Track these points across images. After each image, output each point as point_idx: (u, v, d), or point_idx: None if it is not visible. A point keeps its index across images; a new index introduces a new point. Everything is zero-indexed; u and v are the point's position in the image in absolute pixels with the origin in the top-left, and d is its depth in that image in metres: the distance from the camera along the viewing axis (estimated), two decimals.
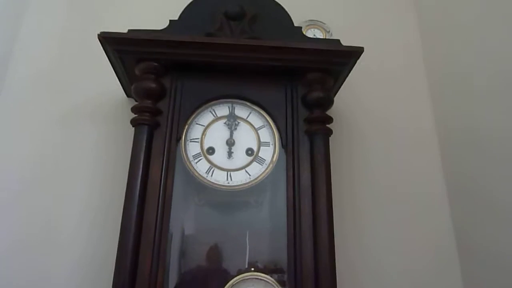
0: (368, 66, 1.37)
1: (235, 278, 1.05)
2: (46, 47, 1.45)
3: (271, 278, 1.05)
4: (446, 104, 1.43)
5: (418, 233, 1.32)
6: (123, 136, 1.28)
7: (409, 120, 1.47)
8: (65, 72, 1.41)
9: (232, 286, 1.04)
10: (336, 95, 1.28)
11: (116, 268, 0.94)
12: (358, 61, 1.13)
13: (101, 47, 1.08)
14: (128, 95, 1.33)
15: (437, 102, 1.48)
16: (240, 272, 1.07)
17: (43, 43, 1.46)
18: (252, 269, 1.08)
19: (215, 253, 1.14)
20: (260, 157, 1.11)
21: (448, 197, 1.38)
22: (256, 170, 1.10)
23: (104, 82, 1.37)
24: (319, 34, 1.43)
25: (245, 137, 1.13)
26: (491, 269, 1.18)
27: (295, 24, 1.19)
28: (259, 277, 1.06)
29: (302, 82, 1.12)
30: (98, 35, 1.04)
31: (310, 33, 1.42)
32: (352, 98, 1.44)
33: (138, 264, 0.95)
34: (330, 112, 1.13)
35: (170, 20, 1.13)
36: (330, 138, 1.11)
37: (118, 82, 1.25)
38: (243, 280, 1.06)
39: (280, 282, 1.05)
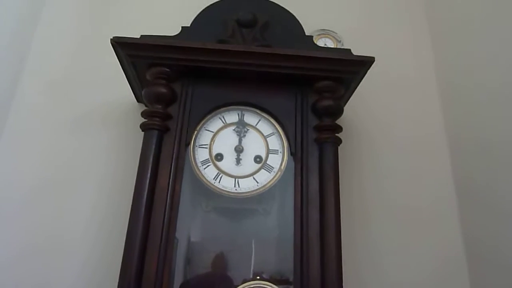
0: (379, 75, 1.36)
1: (240, 287, 1.05)
2: (59, 53, 1.47)
3: (275, 286, 1.04)
4: (456, 112, 1.42)
5: (428, 241, 1.31)
6: (133, 141, 1.28)
7: (419, 129, 1.46)
8: (77, 78, 1.43)
9: None
10: (346, 104, 1.28)
11: (122, 272, 0.93)
12: (369, 70, 1.13)
13: (113, 53, 1.09)
14: (138, 101, 1.34)
15: (447, 110, 1.47)
16: (245, 280, 1.06)
17: (56, 49, 1.48)
18: (258, 277, 1.07)
19: (220, 260, 1.14)
20: (269, 164, 1.11)
21: (458, 204, 1.36)
22: (264, 178, 1.09)
23: (115, 88, 1.38)
24: (330, 44, 1.43)
25: (253, 144, 1.13)
26: (499, 275, 1.16)
27: (306, 33, 1.20)
28: (264, 286, 1.05)
29: (312, 90, 1.12)
30: (111, 39, 1.05)
31: (321, 42, 1.42)
32: (362, 107, 1.43)
33: (144, 268, 0.95)
34: (339, 121, 1.12)
35: (182, 27, 1.14)
36: (339, 147, 1.10)
37: (129, 88, 1.26)
38: None
39: None
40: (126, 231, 0.97)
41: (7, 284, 1.17)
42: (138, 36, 1.08)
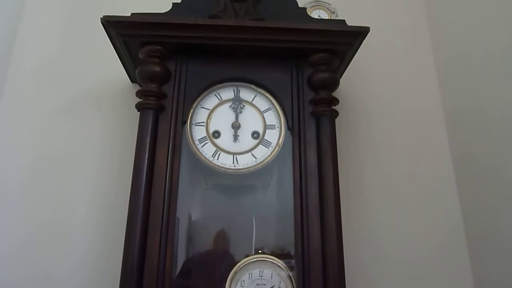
0: (374, 47, 1.35)
1: (242, 260, 1.06)
2: (49, 35, 1.44)
3: (278, 260, 1.06)
4: (453, 84, 1.41)
5: (425, 215, 1.32)
6: (128, 122, 1.28)
7: (416, 101, 1.45)
8: (68, 60, 1.41)
9: (239, 268, 1.05)
10: (342, 77, 1.27)
11: (125, 252, 0.94)
12: (364, 42, 1.11)
13: (104, 33, 1.07)
14: (132, 81, 1.33)
15: (444, 82, 1.46)
16: (247, 255, 1.08)
17: (46, 31, 1.45)
18: (260, 251, 1.09)
19: (222, 237, 1.15)
20: (266, 140, 1.11)
21: (455, 179, 1.37)
22: (262, 153, 1.09)
23: (108, 69, 1.36)
24: (324, 15, 1.41)
25: (250, 120, 1.12)
26: (499, 253, 1.17)
27: (300, 5, 1.18)
28: (266, 259, 1.07)
29: (307, 63, 1.11)
30: (101, 19, 1.03)
31: (315, 14, 1.40)
32: (358, 80, 1.42)
33: (146, 247, 0.96)
34: (336, 95, 1.12)
35: (173, 3, 1.12)
36: (336, 120, 1.10)
37: (122, 68, 1.24)
38: (251, 262, 1.07)
39: (288, 264, 1.06)
40: (126, 213, 0.97)
41: (5, 275, 1.17)
42: (129, 15, 1.06)
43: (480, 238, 1.25)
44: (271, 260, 1.07)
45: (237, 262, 1.07)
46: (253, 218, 1.16)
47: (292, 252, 1.04)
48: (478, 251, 1.25)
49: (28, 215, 1.23)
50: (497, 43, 1.20)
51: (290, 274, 1.05)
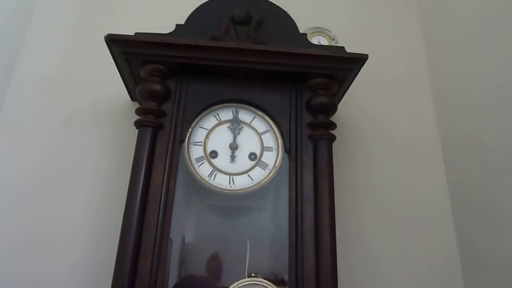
0: (372, 74, 1.38)
1: (235, 284, 1.05)
2: (52, 50, 1.47)
3: (271, 284, 1.04)
4: (449, 112, 1.43)
5: (421, 240, 1.32)
6: (126, 140, 1.28)
7: (412, 128, 1.47)
8: (70, 75, 1.42)
9: None
10: (340, 102, 1.28)
11: (116, 269, 0.93)
12: (363, 69, 1.13)
13: (107, 51, 1.09)
14: (132, 99, 1.34)
15: (440, 110, 1.48)
16: (240, 278, 1.06)
17: (49, 46, 1.47)
18: (253, 274, 1.07)
19: (215, 258, 1.14)
20: (263, 161, 1.11)
21: (451, 204, 1.37)
22: (259, 175, 1.09)
23: (109, 86, 1.38)
24: (324, 41, 1.44)
25: (248, 142, 1.13)
26: (493, 276, 1.16)
27: (300, 31, 1.20)
28: (259, 283, 1.05)
29: (306, 87, 1.12)
30: (105, 36, 1.05)
31: (315, 40, 1.43)
32: (356, 106, 1.44)
33: (138, 266, 0.94)
34: (333, 119, 1.13)
35: (176, 24, 1.14)
36: (333, 144, 1.11)
37: (123, 86, 1.25)
38: (243, 286, 1.05)
39: (282, 286, 1.04)
40: (119, 230, 0.96)
41: None
42: (133, 34, 1.08)
43: (474, 262, 1.25)
44: (264, 284, 1.05)
45: (230, 284, 1.05)
46: (248, 241, 1.15)
47: (286, 277, 1.02)
48: (473, 275, 1.25)
49: (21, 224, 1.22)
50: (493, 75, 1.23)
51: None
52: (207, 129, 1.13)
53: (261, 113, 1.15)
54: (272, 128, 1.14)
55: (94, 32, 1.38)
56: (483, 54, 1.28)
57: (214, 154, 1.11)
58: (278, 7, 1.22)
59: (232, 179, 1.08)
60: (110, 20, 1.51)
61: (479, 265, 1.23)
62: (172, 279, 1.07)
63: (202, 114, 1.13)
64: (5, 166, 1.29)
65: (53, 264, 1.18)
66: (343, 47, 1.14)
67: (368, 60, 1.11)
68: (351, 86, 1.22)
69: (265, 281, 1.04)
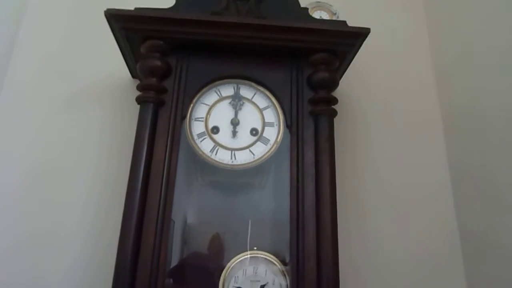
0: (373, 49, 1.35)
1: (237, 257, 1.07)
2: (51, 28, 1.45)
3: (272, 256, 1.06)
4: (451, 86, 1.42)
5: (420, 217, 1.32)
6: (128, 117, 1.28)
7: (414, 103, 1.46)
8: (70, 54, 1.41)
9: (233, 264, 1.05)
10: (341, 79, 1.27)
11: (120, 245, 0.94)
12: (364, 43, 1.12)
13: (107, 27, 1.08)
14: (133, 76, 1.34)
15: (441, 84, 1.46)
16: (242, 252, 1.08)
17: (48, 24, 1.46)
18: (255, 248, 1.09)
19: (217, 233, 1.15)
20: (265, 137, 1.11)
21: (451, 182, 1.36)
22: (260, 150, 1.10)
23: (109, 63, 1.37)
24: (326, 16, 1.42)
25: (249, 117, 1.13)
26: (494, 261, 1.16)
27: (302, 6, 1.19)
28: (261, 256, 1.07)
29: (307, 62, 1.12)
30: (104, 12, 1.04)
31: (316, 14, 1.41)
32: (357, 81, 1.43)
33: (141, 242, 0.96)
34: (334, 95, 1.12)
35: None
36: (334, 120, 1.11)
37: (124, 63, 1.25)
38: (245, 259, 1.07)
39: (282, 261, 1.06)
40: (122, 210, 0.97)
41: None
42: (132, 9, 1.07)
43: (475, 244, 1.24)
44: (266, 257, 1.07)
45: (232, 258, 1.07)
46: (249, 216, 1.16)
47: (287, 250, 1.03)
48: (473, 257, 1.25)
49: (31, 204, 1.23)
50: (496, 45, 1.21)
51: (284, 270, 1.05)
52: (208, 105, 1.13)
53: (262, 89, 1.15)
54: (273, 104, 1.14)
55: (93, 9, 1.37)
56: (485, 26, 1.26)
57: (215, 129, 1.11)
58: None
59: (234, 154, 1.09)
60: None
61: (480, 248, 1.22)
62: (175, 252, 1.08)
63: (203, 90, 1.13)
64: (7, 150, 1.29)
65: (55, 254, 1.19)
66: (344, 21, 1.13)
67: (369, 34, 1.09)
68: (353, 61, 1.21)
69: (266, 253, 1.07)
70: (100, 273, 1.13)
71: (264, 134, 1.12)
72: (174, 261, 1.08)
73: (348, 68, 1.25)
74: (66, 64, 1.40)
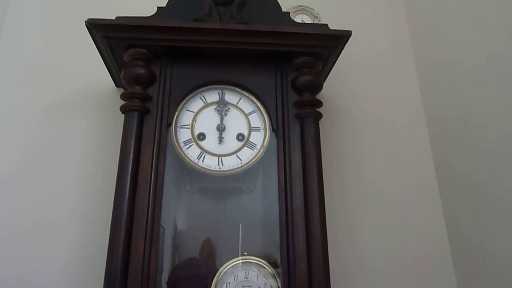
0: (357, 52, 1.38)
1: (227, 262, 1.07)
2: (32, 36, 1.44)
3: (262, 260, 1.06)
4: (434, 89, 1.43)
5: (408, 217, 1.33)
6: (112, 126, 1.27)
7: (398, 107, 1.47)
8: (52, 63, 1.40)
9: (225, 269, 1.05)
10: (325, 81, 1.28)
11: (109, 254, 0.93)
12: (346, 48, 1.13)
13: (89, 36, 1.07)
14: (117, 85, 1.32)
15: (425, 87, 1.48)
16: (233, 257, 1.08)
17: (29, 32, 1.44)
18: (245, 253, 1.09)
19: (207, 239, 1.14)
20: (251, 142, 1.12)
21: (438, 185, 1.37)
22: (247, 155, 1.10)
23: (92, 72, 1.35)
24: (307, 20, 1.44)
25: (235, 123, 1.13)
26: (483, 264, 1.16)
27: (283, 10, 1.20)
28: (252, 261, 1.07)
29: (291, 66, 1.12)
30: (85, 22, 1.03)
31: (298, 18, 1.43)
32: (342, 85, 1.44)
33: (130, 250, 0.95)
34: (319, 98, 1.13)
35: (158, 7, 1.13)
36: (320, 123, 1.11)
37: (107, 72, 1.24)
38: (236, 264, 1.07)
39: (273, 264, 1.06)
40: (111, 216, 0.96)
41: None
42: (113, 18, 1.06)
43: (464, 247, 1.25)
44: (257, 262, 1.07)
45: (223, 264, 1.07)
46: (239, 221, 1.16)
47: (278, 254, 1.04)
48: (462, 261, 1.25)
49: (9, 217, 1.20)
50: (479, 52, 1.21)
51: (275, 274, 1.05)
52: (194, 112, 1.13)
53: (247, 94, 1.15)
54: (259, 108, 1.14)
55: (74, 18, 1.34)
56: (468, 29, 1.27)
57: (202, 136, 1.11)
58: None
59: (221, 160, 1.09)
60: (90, 5, 1.47)
61: (468, 250, 1.23)
62: (166, 260, 1.08)
63: (188, 97, 1.13)
64: None
65: (42, 260, 1.17)
66: (326, 25, 1.14)
67: (351, 38, 1.11)
68: (336, 65, 1.22)
69: (257, 258, 1.07)
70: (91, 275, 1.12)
71: (251, 139, 1.12)
72: (165, 268, 1.07)
73: (333, 72, 1.26)
74: (48, 73, 1.38)
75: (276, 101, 1.12)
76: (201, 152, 1.09)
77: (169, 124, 1.08)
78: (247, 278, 1.06)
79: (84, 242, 1.19)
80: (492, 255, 1.13)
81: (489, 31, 1.18)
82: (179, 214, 1.18)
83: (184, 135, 1.10)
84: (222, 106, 1.14)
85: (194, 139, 1.10)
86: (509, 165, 1.08)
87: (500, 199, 1.11)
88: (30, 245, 1.18)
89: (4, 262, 1.16)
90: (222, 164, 1.09)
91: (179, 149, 1.08)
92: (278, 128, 1.10)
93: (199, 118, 1.12)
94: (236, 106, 1.15)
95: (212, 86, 1.15)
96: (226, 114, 1.14)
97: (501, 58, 1.12)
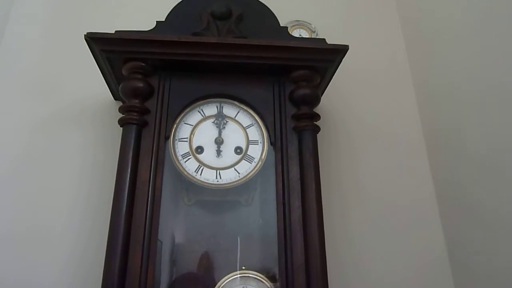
0: (354, 67, 1.40)
1: (226, 277, 1.05)
2: (32, 48, 1.45)
3: (260, 275, 1.05)
4: (431, 105, 1.44)
5: (407, 229, 1.32)
6: (110, 140, 1.27)
7: (395, 120, 1.47)
8: (51, 74, 1.40)
9: (223, 284, 1.04)
10: (323, 95, 1.29)
11: (106, 267, 0.92)
12: (344, 61, 1.14)
13: (88, 49, 1.08)
14: (115, 98, 1.33)
15: (422, 103, 1.49)
16: (231, 271, 1.07)
17: (29, 44, 1.45)
18: (243, 267, 1.08)
19: (205, 253, 1.14)
20: (249, 155, 1.12)
21: (436, 196, 1.37)
22: (245, 168, 1.10)
23: (90, 85, 1.36)
24: (305, 34, 1.45)
25: (233, 136, 1.13)
26: (482, 274, 1.16)
27: (281, 25, 1.21)
28: (250, 275, 1.06)
29: (289, 80, 1.13)
30: (84, 35, 1.04)
31: (296, 33, 1.44)
32: (339, 98, 1.45)
33: (127, 263, 0.94)
34: (317, 111, 1.13)
35: (157, 21, 1.14)
36: (318, 136, 1.12)
37: (105, 85, 1.25)
38: (234, 279, 1.06)
39: (272, 278, 1.05)
40: (107, 229, 0.95)
41: None
42: (113, 32, 1.07)
43: (462, 257, 1.25)
44: (255, 276, 1.06)
45: (221, 278, 1.06)
46: (237, 234, 1.15)
47: (276, 267, 1.03)
48: (461, 269, 1.25)
49: (5, 226, 1.19)
50: (476, 67, 1.22)
51: None
52: (192, 125, 1.13)
53: (245, 107, 1.16)
54: (257, 122, 1.14)
55: (73, 31, 1.36)
56: (465, 45, 1.28)
57: (200, 149, 1.11)
58: (258, 1, 1.23)
59: (219, 173, 1.09)
60: (90, 18, 1.49)
61: (468, 263, 1.22)
62: (164, 275, 1.07)
63: (186, 110, 1.13)
64: None
65: (38, 271, 1.16)
66: (324, 39, 1.15)
67: (349, 52, 1.12)
68: (334, 79, 1.23)
69: (255, 272, 1.06)
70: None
71: (249, 152, 1.12)
72: (163, 282, 1.06)
73: (330, 85, 1.27)
74: (46, 85, 1.39)
75: (274, 114, 1.12)
76: (199, 165, 1.09)
77: (167, 137, 1.08)
78: None
79: (80, 254, 1.18)
80: (491, 267, 1.13)
81: (485, 49, 1.19)
82: (176, 227, 1.17)
83: (182, 148, 1.10)
84: (220, 120, 1.14)
85: (192, 152, 1.10)
86: (505, 177, 1.08)
87: (498, 210, 1.11)
88: (26, 256, 1.17)
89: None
90: (220, 177, 1.08)
91: (177, 162, 1.08)
92: (276, 141, 1.10)
93: (197, 131, 1.12)
94: (234, 119, 1.15)
95: (210, 99, 1.15)
96: (224, 127, 1.14)
97: (496, 74, 1.14)
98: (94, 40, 1.05)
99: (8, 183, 1.25)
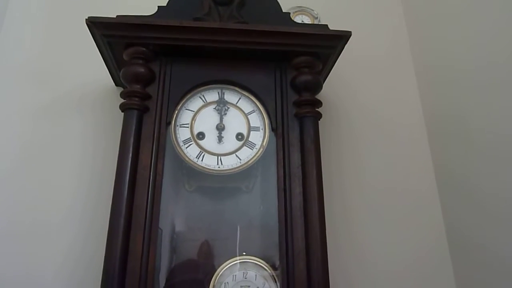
0: (356, 53, 1.39)
1: (226, 262, 1.06)
2: (32, 34, 1.44)
3: (262, 261, 1.06)
4: (432, 90, 1.44)
5: (407, 217, 1.33)
6: (111, 125, 1.28)
7: (397, 108, 1.47)
8: (51, 60, 1.40)
9: (223, 269, 1.04)
10: (325, 81, 1.29)
11: (107, 252, 0.93)
12: (346, 48, 1.14)
13: (89, 34, 1.07)
14: (116, 84, 1.32)
15: (423, 88, 1.49)
16: (231, 257, 1.08)
17: (29, 30, 1.44)
18: (244, 253, 1.08)
19: (206, 239, 1.14)
20: (250, 141, 1.12)
21: (437, 186, 1.38)
22: (247, 154, 1.10)
23: (91, 71, 1.36)
24: (307, 20, 1.44)
25: (235, 122, 1.13)
26: (483, 264, 1.16)
27: (284, 10, 1.20)
28: (250, 260, 1.07)
29: (290, 66, 1.12)
30: (86, 19, 1.03)
31: (298, 19, 1.43)
32: (341, 84, 1.44)
33: (129, 248, 0.95)
34: (319, 98, 1.13)
35: (158, 6, 1.13)
36: (319, 123, 1.11)
37: (107, 70, 1.24)
38: (234, 264, 1.07)
39: (272, 264, 1.06)
40: (109, 214, 0.96)
41: None
42: (114, 17, 1.06)
43: (463, 247, 1.25)
44: (255, 262, 1.07)
45: (221, 264, 1.06)
46: (237, 221, 1.16)
47: (277, 254, 1.03)
48: (461, 260, 1.25)
49: (6, 215, 1.20)
50: (478, 53, 1.22)
51: (274, 274, 1.05)
52: (193, 111, 1.13)
53: (246, 94, 1.15)
54: (258, 108, 1.14)
55: (74, 16, 1.35)
56: (466, 31, 1.28)
57: (201, 135, 1.11)
58: None
59: (220, 159, 1.09)
60: (91, 3, 1.47)
61: (467, 251, 1.23)
62: (164, 258, 1.07)
63: (188, 96, 1.12)
64: None
65: (39, 258, 1.17)
66: (326, 25, 1.14)
67: (351, 39, 1.11)
68: (336, 65, 1.22)
69: (256, 258, 1.06)
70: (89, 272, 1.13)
71: (250, 139, 1.12)
72: (163, 268, 1.07)
73: (333, 72, 1.26)
74: (47, 71, 1.38)
75: (276, 100, 1.12)
76: (200, 151, 1.09)
77: (169, 123, 1.08)
78: (245, 278, 1.06)
79: (82, 240, 1.19)
80: (491, 255, 1.13)
81: (488, 33, 1.18)
82: (177, 213, 1.18)
83: (183, 134, 1.10)
84: (221, 106, 1.14)
85: (193, 138, 1.10)
86: (507, 165, 1.08)
87: (499, 198, 1.11)
88: (27, 243, 1.17)
89: (2, 260, 1.16)
90: (221, 164, 1.08)
91: (178, 148, 1.08)
92: (277, 127, 1.10)
93: (198, 117, 1.12)
94: (235, 106, 1.15)
95: (212, 85, 1.15)
96: (225, 114, 1.14)
97: (500, 60, 1.13)
98: (95, 25, 1.04)
99: (9, 170, 1.25)
